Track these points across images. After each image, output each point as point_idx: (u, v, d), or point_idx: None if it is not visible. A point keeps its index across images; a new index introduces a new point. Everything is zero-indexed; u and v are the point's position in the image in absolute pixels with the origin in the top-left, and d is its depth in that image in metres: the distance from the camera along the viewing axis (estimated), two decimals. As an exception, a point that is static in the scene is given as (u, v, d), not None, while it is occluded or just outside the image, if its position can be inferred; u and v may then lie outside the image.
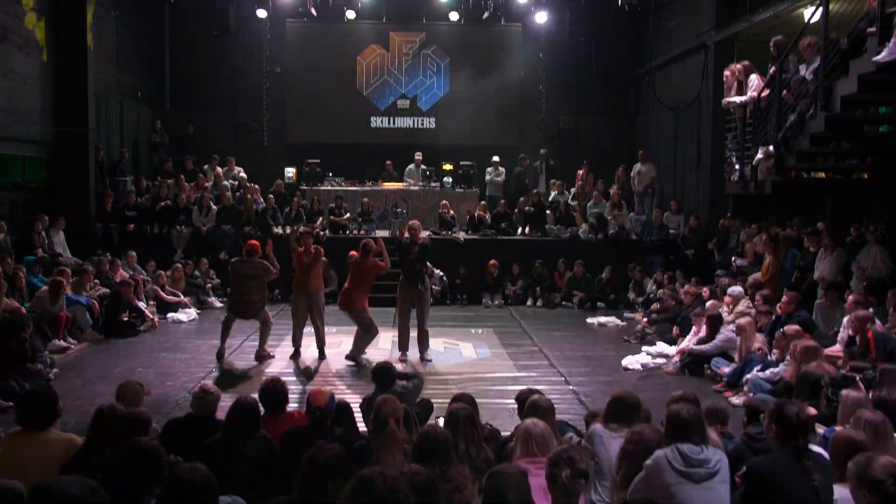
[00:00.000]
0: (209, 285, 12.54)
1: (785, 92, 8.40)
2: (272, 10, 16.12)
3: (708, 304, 9.69)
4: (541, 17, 16.44)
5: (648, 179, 14.65)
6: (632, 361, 8.91)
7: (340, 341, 9.83)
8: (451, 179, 15.35)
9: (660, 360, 9.01)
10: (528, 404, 4.34)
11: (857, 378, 5.75)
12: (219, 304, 12.11)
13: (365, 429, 4.67)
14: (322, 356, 9.04)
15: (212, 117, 16.94)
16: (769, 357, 7.64)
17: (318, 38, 17.17)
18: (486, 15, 16.23)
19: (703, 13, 13.38)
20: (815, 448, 3.72)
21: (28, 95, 12.08)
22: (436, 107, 17.44)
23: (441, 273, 12.83)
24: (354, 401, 5.63)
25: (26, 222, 11.72)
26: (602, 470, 3.93)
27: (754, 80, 9.54)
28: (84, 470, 3.69)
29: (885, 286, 7.89)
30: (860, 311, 7.12)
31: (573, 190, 15.37)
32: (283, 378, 5.13)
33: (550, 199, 15.01)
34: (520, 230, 14.20)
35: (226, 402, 4.60)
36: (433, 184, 15.33)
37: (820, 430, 4.80)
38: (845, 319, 7.50)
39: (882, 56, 6.34)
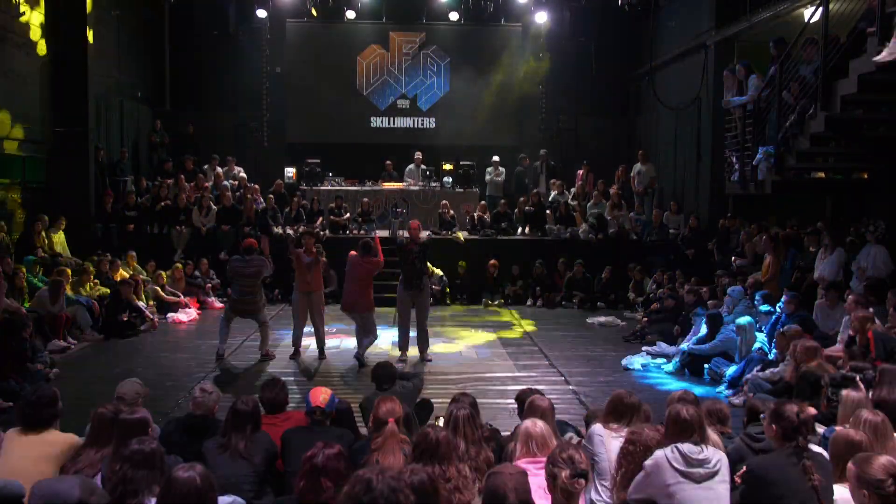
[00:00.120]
0: (209, 285, 12.54)
1: (785, 92, 8.41)
2: (272, 10, 16.14)
3: (709, 304, 9.70)
4: (541, 17, 16.46)
5: (648, 179, 14.65)
6: (632, 361, 8.91)
7: (340, 341, 9.84)
8: (451, 179, 15.36)
9: (660, 360, 9.02)
10: (528, 404, 4.34)
11: (857, 378, 5.74)
12: (219, 304, 12.11)
13: (365, 429, 4.67)
14: (322, 356, 9.04)
15: (212, 117, 16.95)
16: (769, 357, 7.64)
17: (318, 38, 17.18)
18: (486, 15, 16.22)
19: (703, 13, 13.39)
20: (815, 448, 3.72)
21: (28, 95, 12.08)
22: (436, 107, 17.45)
23: (441, 273, 12.83)
24: (354, 401, 5.63)
25: (26, 222, 11.72)
26: (602, 470, 3.93)
27: (754, 80, 9.55)
28: (84, 470, 3.69)
29: (885, 286, 7.88)
30: (860, 311, 7.11)
31: (573, 190, 15.37)
32: (283, 378, 5.13)
33: (550, 199, 15.01)
34: (520, 230, 14.21)
35: (226, 402, 4.60)
36: (433, 184, 15.33)
37: (820, 430, 4.80)
38: (845, 319, 7.49)
39: (882, 56, 6.34)
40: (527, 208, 14.26)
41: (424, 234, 10.49)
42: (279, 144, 17.23)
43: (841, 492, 3.46)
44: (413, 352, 9.03)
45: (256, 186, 14.66)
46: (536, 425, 3.75)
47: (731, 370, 7.94)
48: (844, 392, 4.71)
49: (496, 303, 12.98)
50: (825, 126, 7.70)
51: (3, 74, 11.32)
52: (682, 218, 13.77)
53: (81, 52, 12.90)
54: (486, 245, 13.70)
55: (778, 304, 8.39)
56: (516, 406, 4.99)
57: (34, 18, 12.15)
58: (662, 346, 9.39)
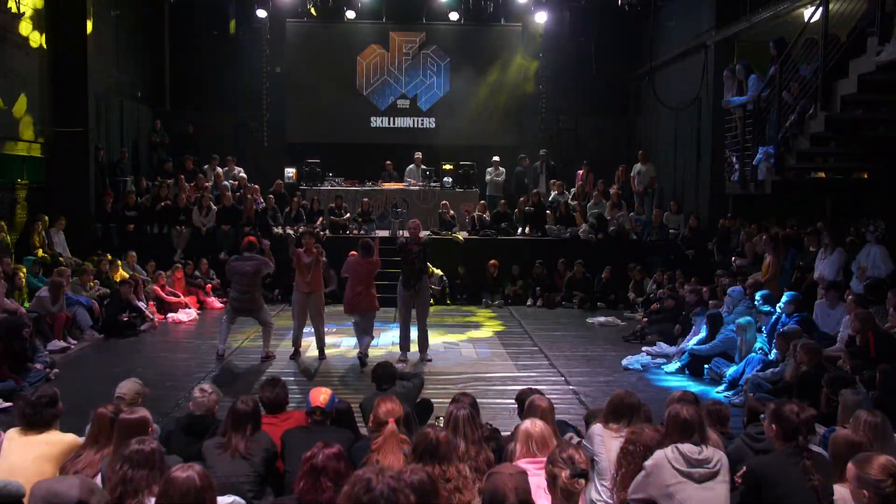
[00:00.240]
0: (209, 285, 12.54)
1: (785, 92, 8.41)
2: (272, 10, 16.14)
3: (710, 304, 9.70)
4: (541, 17, 16.45)
5: (648, 179, 14.65)
6: (632, 361, 8.91)
7: (340, 341, 9.84)
8: (451, 179, 15.35)
9: (660, 360, 9.01)
10: (528, 404, 4.34)
11: (857, 378, 5.75)
12: (219, 304, 12.11)
13: (365, 429, 4.67)
14: (322, 356, 9.04)
15: (212, 117, 16.94)
16: (769, 357, 7.64)
17: (318, 38, 17.18)
18: (486, 15, 16.22)
19: (703, 13, 13.38)
20: (815, 448, 3.72)
21: (28, 95, 12.08)
22: (436, 107, 17.44)
23: (441, 273, 12.83)
24: (354, 401, 5.63)
25: (26, 222, 11.72)
26: (602, 470, 3.93)
27: (754, 80, 9.55)
28: (84, 470, 3.69)
29: (885, 286, 7.89)
30: (860, 311, 7.11)
31: (573, 190, 15.36)
32: (283, 378, 5.13)
33: (550, 199, 15.00)
34: (520, 230, 14.21)
35: (226, 402, 4.60)
36: (433, 184, 15.33)
37: (820, 430, 4.81)
38: (845, 319, 7.49)
39: (882, 56, 6.34)
40: (527, 208, 14.26)
41: (424, 233, 10.49)
42: (279, 144, 17.23)
43: (841, 492, 3.46)
44: (413, 352, 9.02)
45: (256, 186, 14.66)
46: (536, 425, 3.75)
47: (731, 370, 7.94)
48: (844, 392, 4.72)
49: (496, 303, 12.98)
50: (825, 126, 7.70)
51: (3, 74, 11.31)
52: (682, 218, 13.76)
53: (81, 52, 12.90)
54: (486, 245, 13.69)
55: (778, 305, 8.39)
56: (516, 406, 4.99)
57: (30, 17, 12.14)
58: (662, 347, 9.40)
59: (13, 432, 4.04)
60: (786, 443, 3.63)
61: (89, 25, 13.06)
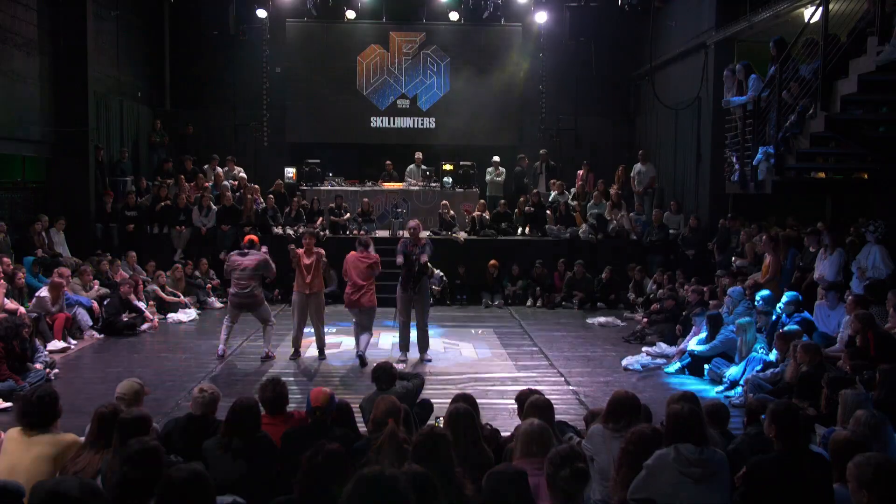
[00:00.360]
0: (209, 285, 12.54)
1: (785, 92, 8.41)
2: (272, 10, 16.13)
3: (710, 304, 9.70)
4: (541, 17, 16.44)
5: (648, 179, 14.65)
6: (632, 361, 8.91)
7: (340, 341, 9.84)
8: (451, 179, 15.36)
9: (660, 360, 9.01)
10: (528, 404, 4.34)
11: (857, 378, 5.75)
12: (219, 304, 12.11)
13: (365, 429, 4.67)
14: (322, 356, 9.04)
15: (212, 117, 16.94)
16: (769, 357, 7.64)
17: (318, 38, 17.18)
18: (486, 15, 16.23)
19: (703, 13, 13.38)
20: (815, 448, 3.72)
21: (28, 95, 12.08)
22: (436, 107, 17.43)
23: (441, 273, 12.83)
24: (354, 401, 5.63)
25: (26, 222, 11.72)
26: (602, 470, 3.93)
27: (754, 80, 9.54)
28: (84, 470, 3.69)
29: (885, 286, 7.89)
30: (860, 311, 7.12)
31: (573, 190, 15.37)
32: (283, 378, 5.12)
33: (550, 199, 15.00)
34: (520, 230, 14.21)
35: (226, 402, 4.60)
36: (433, 184, 15.33)
37: (820, 430, 4.81)
38: (845, 319, 7.50)
39: (882, 56, 6.34)
40: (527, 208, 14.26)
41: (424, 234, 10.48)
42: (279, 144, 17.22)
43: (841, 492, 3.46)
44: (413, 352, 9.03)
45: (256, 186, 14.66)
46: (536, 425, 3.75)
47: (731, 370, 7.94)
48: (844, 392, 4.72)
49: (496, 303, 12.98)
50: (825, 126, 7.70)
51: (3, 74, 11.32)
52: (682, 218, 13.76)
53: (81, 52, 12.90)
54: (486, 245, 13.69)
55: (778, 305, 8.39)
56: (516, 406, 4.99)
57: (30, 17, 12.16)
58: (662, 347, 9.40)
59: (13, 432, 4.04)
60: (786, 443, 3.63)
61: (89, 25, 13.05)
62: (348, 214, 14.15)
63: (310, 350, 9.15)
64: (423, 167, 15.81)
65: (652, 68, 14.33)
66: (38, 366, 7.80)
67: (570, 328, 11.23)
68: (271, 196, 14.18)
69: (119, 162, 14.54)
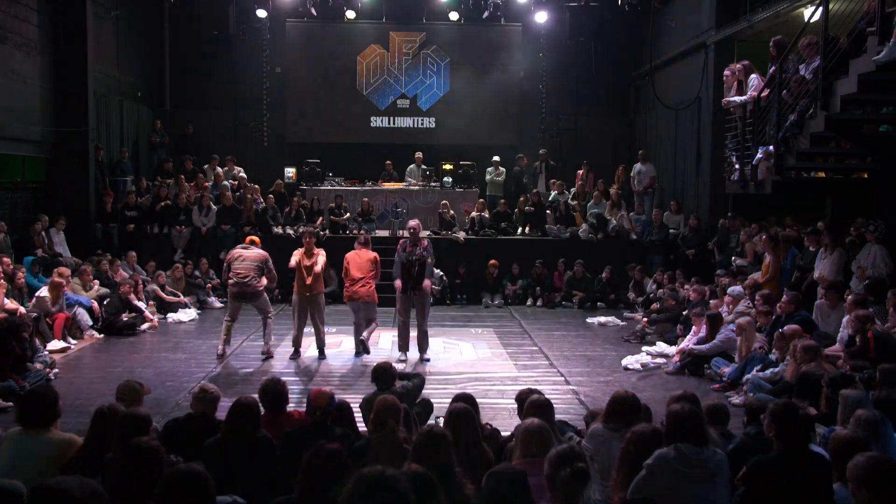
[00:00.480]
0: (209, 285, 12.54)
1: (785, 92, 8.40)
2: (272, 10, 16.13)
3: (710, 303, 9.70)
4: (541, 17, 16.45)
5: (648, 179, 14.65)
6: (632, 361, 8.90)
7: (340, 341, 9.84)
8: (451, 179, 15.36)
9: (660, 360, 9.01)
10: (528, 404, 4.34)
11: (857, 378, 5.75)
12: (219, 304, 12.11)
13: (365, 429, 4.67)
14: (322, 356, 9.04)
15: (212, 117, 16.94)
16: (769, 357, 7.64)
17: (318, 38, 17.18)
18: (486, 15, 16.23)
19: (703, 13, 13.38)
20: (815, 448, 3.72)
21: (28, 95, 12.09)
22: (436, 107, 17.43)
23: (441, 273, 12.83)
24: (354, 401, 5.63)
25: (26, 222, 11.72)
26: (602, 470, 3.93)
27: (754, 80, 9.54)
28: (84, 470, 3.69)
29: (885, 286, 7.89)
30: (860, 311, 7.12)
31: (573, 190, 15.37)
32: (283, 378, 5.13)
33: (550, 199, 15.00)
34: (520, 230, 14.21)
35: (226, 402, 4.60)
36: (433, 184, 15.34)
37: (820, 430, 4.81)
38: (845, 319, 7.50)
39: (882, 56, 6.34)
40: (527, 208, 14.26)
41: (424, 234, 10.48)
42: (279, 144, 17.22)
43: (841, 492, 3.46)
44: (413, 352, 9.03)
45: (256, 186, 14.66)
46: (536, 425, 3.75)
47: (731, 370, 7.94)
48: (844, 392, 4.72)
49: (496, 303, 12.98)
50: (825, 126, 7.70)
51: (3, 74, 11.32)
52: (682, 218, 13.76)
53: (81, 52, 12.90)
54: (486, 245, 13.70)
55: (778, 305, 8.40)
56: (516, 406, 4.99)
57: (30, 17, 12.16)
58: (662, 347, 9.39)
59: (13, 432, 4.04)
60: (786, 443, 3.63)
61: (89, 25, 13.05)
62: (348, 214, 14.15)
63: (310, 350, 9.14)
64: (423, 167, 15.81)
65: (652, 68, 14.33)
66: (38, 366, 7.79)
67: (570, 328, 11.23)
68: (271, 196, 14.18)
69: (119, 162, 14.54)
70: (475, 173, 15.47)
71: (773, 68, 8.90)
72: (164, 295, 11.53)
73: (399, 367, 7.67)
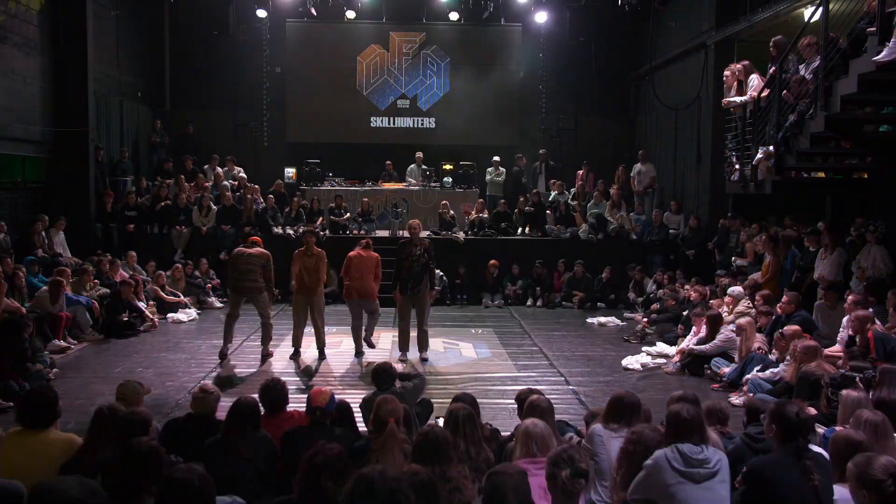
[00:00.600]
0: (209, 285, 12.54)
1: (785, 92, 8.40)
2: (272, 10, 16.13)
3: (711, 303, 9.70)
4: (541, 17, 16.45)
5: (648, 179, 14.66)
6: (632, 361, 8.90)
7: (340, 341, 9.83)
8: (451, 179, 15.36)
9: (660, 360, 9.01)
10: (528, 404, 4.34)
11: (857, 378, 5.75)
12: (219, 304, 12.11)
13: (365, 429, 4.67)
14: (322, 356, 9.04)
15: (212, 117, 16.95)
16: (769, 357, 7.64)
17: (318, 38, 17.18)
18: (486, 15, 16.23)
19: (703, 13, 13.39)
20: (815, 448, 3.72)
21: (28, 95, 12.08)
22: (436, 107, 17.44)
23: (441, 273, 12.83)
24: (354, 401, 5.63)
25: (26, 222, 11.72)
26: (602, 470, 3.93)
27: (754, 80, 9.54)
28: (84, 470, 3.69)
29: (885, 286, 7.89)
30: (860, 311, 7.12)
31: (573, 190, 15.37)
32: (283, 378, 5.13)
33: (550, 199, 15.01)
34: (520, 230, 14.21)
35: (226, 402, 4.60)
36: (433, 184, 15.34)
37: (820, 430, 4.81)
38: (845, 319, 7.50)
39: (882, 56, 6.34)
40: (526, 208, 14.27)
41: (425, 234, 10.48)
42: (279, 144, 17.23)
43: (841, 492, 3.46)
44: (413, 352, 9.03)
45: (256, 186, 14.65)
46: (536, 425, 3.75)
47: (730, 370, 7.94)
48: (844, 392, 4.72)
49: (496, 303, 12.98)
50: (825, 126, 7.70)
51: (3, 74, 11.32)
52: (682, 218, 13.77)
53: (81, 52, 12.90)
54: (486, 245, 13.70)
55: (778, 305, 8.39)
56: (516, 406, 4.99)
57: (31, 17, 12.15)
58: (662, 347, 9.39)
59: (13, 432, 4.03)
60: (786, 443, 3.63)
61: (89, 25, 13.05)
62: (348, 214, 14.15)
63: (310, 350, 9.14)
64: (423, 167, 15.81)
65: (652, 68, 14.33)
66: (38, 366, 7.79)
67: (570, 328, 11.23)
68: (271, 196, 14.18)
69: (119, 162, 14.54)
70: (475, 173, 15.47)
71: (773, 68, 8.90)
72: (164, 295, 11.53)
73: (399, 367, 7.67)
